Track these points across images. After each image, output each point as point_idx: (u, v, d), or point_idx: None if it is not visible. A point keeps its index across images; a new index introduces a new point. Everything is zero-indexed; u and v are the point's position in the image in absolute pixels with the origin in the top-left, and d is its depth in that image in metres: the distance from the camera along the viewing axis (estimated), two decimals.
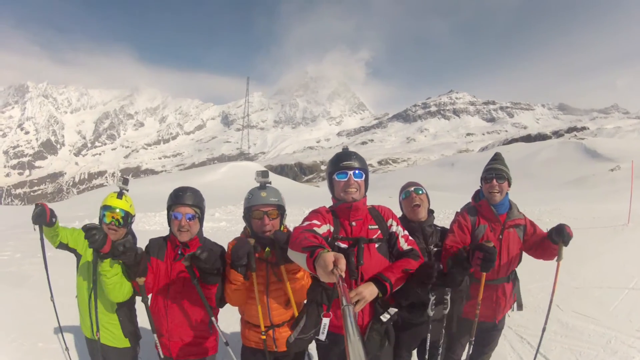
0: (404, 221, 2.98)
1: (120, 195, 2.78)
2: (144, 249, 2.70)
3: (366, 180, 2.52)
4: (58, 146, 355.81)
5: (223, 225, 13.30)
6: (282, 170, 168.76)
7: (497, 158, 3.17)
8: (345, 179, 2.44)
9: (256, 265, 2.48)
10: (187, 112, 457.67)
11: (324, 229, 2.34)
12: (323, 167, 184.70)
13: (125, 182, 2.83)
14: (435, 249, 3.04)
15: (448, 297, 2.76)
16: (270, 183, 2.65)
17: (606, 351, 4.21)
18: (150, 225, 13.27)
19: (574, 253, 7.98)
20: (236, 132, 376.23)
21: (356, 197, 2.45)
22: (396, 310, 2.39)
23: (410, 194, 3.11)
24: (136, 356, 3.02)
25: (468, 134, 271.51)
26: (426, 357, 2.96)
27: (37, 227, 2.70)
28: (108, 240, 2.43)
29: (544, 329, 3.33)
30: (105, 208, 2.75)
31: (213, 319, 2.67)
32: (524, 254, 3.22)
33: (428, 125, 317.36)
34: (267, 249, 2.56)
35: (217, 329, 2.72)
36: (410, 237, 2.59)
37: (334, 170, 2.49)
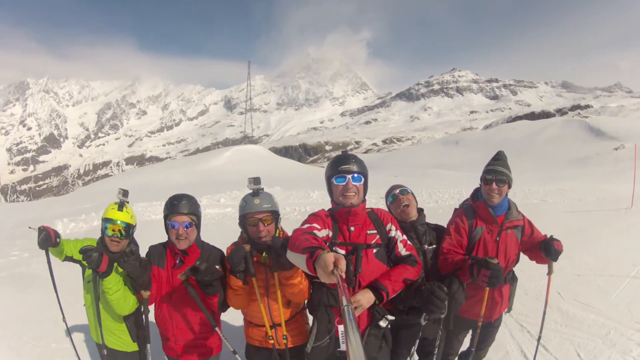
0: None
1: (120, 207, 2.82)
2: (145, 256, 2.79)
3: (365, 184, 2.51)
4: (61, 140, 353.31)
5: (229, 212, 13.02)
6: (286, 152, 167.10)
7: (499, 158, 3.04)
8: (344, 183, 2.43)
9: (255, 269, 2.51)
10: (189, 98, 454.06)
11: (323, 233, 2.35)
12: (327, 148, 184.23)
13: (125, 194, 2.86)
14: (430, 247, 3.05)
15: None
16: (262, 189, 2.65)
17: (605, 343, 4.23)
18: (157, 214, 12.81)
19: (577, 236, 8.04)
20: (239, 115, 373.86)
21: (354, 202, 2.44)
22: (393, 318, 2.45)
23: (397, 196, 3.13)
24: (145, 358, 3.12)
25: (472, 112, 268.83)
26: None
27: (41, 239, 2.75)
28: (105, 259, 2.52)
29: (539, 338, 3.45)
30: (107, 221, 2.80)
31: (217, 329, 2.75)
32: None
33: (431, 103, 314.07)
34: (264, 253, 2.58)
35: (222, 338, 2.80)
36: (409, 242, 2.61)
37: (333, 174, 2.48)
